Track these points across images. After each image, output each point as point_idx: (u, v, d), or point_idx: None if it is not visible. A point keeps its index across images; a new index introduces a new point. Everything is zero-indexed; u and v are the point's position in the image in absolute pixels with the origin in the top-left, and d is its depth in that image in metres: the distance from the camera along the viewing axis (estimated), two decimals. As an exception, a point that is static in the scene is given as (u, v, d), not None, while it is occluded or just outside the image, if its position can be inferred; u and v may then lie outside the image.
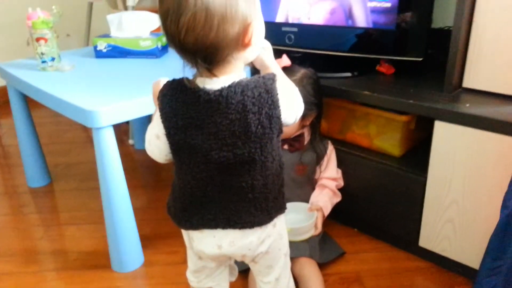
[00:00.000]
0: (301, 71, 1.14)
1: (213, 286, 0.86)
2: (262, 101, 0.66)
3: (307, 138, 1.19)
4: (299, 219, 1.12)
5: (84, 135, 2.09)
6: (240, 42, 0.64)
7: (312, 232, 1.10)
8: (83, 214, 1.43)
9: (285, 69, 1.15)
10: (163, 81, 0.71)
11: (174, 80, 0.69)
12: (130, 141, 1.92)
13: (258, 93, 0.66)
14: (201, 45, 0.61)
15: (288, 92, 0.71)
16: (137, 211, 1.15)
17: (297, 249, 1.07)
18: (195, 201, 0.73)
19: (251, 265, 0.82)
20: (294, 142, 1.17)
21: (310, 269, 1.06)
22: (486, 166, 0.95)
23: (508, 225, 0.78)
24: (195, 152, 0.69)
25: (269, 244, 0.76)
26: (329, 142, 1.22)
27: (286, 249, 0.81)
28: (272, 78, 0.68)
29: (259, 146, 0.68)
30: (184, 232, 0.81)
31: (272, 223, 0.75)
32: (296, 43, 1.31)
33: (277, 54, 1.28)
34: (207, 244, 0.75)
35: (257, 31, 0.66)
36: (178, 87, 0.68)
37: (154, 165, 0.77)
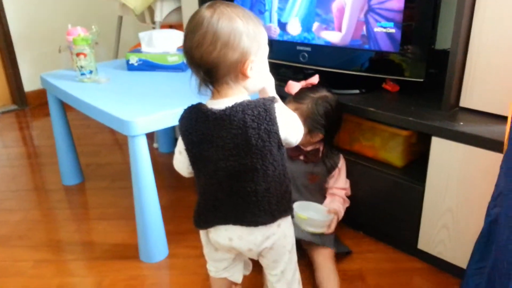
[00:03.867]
0: (322, 93, 1.24)
1: (228, 277, 0.99)
2: (260, 118, 0.79)
3: (321, 152, 1.30)
4: (316, 218, 1.24)
5: (112, 138, 2.22)
6: (239, 70, 0.78)
7: (324, 230, 1.21)
8: (113, 211, 1.57)
9: (311, 87, 1.25)
10: None
11: (190, 106, 0.84)
12: (155, 145, 2.05)
13: (258, 112, 0.79)
14: (205, 60, 0.76)
15: (288, 114, 0.83)
16: (161, 209, 1.27)
17: (312, 238, 1.20)
18: (209, 204, 0.87)
19: (260, 259, 0.94)
20: (309, 155, 1.29)
21: (324, 257, 1.19)
22: (476, 179, 1.06)
23: (490, 231, 0.88)
24: (208, 163, 0.83)
25: (273, 241, 0.87)
26: (341, 156, 1.33)
27: (290, 247, 0.92)
28: (271, 99, 0.81)
29: (260, 157, 0.80)
30: (201, 231, 0.94)
31: (276, 223, 0.86)
32: (309, 61, 1.43)
33: (291, 69, 1.41)
34: (220, 236, 0.88)
35: (256, 67, 0.80)
36: (193, 111, 0.83)
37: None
